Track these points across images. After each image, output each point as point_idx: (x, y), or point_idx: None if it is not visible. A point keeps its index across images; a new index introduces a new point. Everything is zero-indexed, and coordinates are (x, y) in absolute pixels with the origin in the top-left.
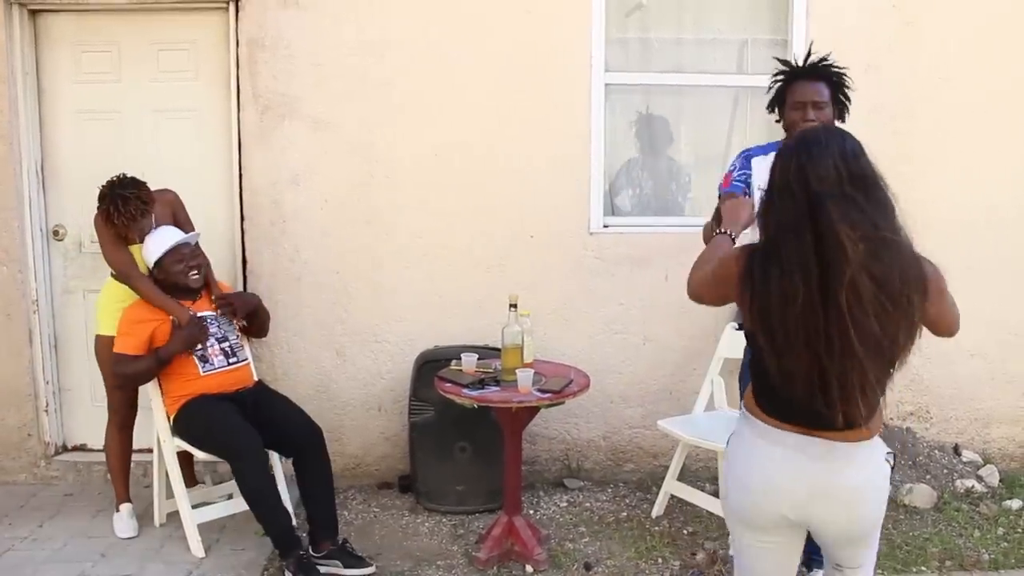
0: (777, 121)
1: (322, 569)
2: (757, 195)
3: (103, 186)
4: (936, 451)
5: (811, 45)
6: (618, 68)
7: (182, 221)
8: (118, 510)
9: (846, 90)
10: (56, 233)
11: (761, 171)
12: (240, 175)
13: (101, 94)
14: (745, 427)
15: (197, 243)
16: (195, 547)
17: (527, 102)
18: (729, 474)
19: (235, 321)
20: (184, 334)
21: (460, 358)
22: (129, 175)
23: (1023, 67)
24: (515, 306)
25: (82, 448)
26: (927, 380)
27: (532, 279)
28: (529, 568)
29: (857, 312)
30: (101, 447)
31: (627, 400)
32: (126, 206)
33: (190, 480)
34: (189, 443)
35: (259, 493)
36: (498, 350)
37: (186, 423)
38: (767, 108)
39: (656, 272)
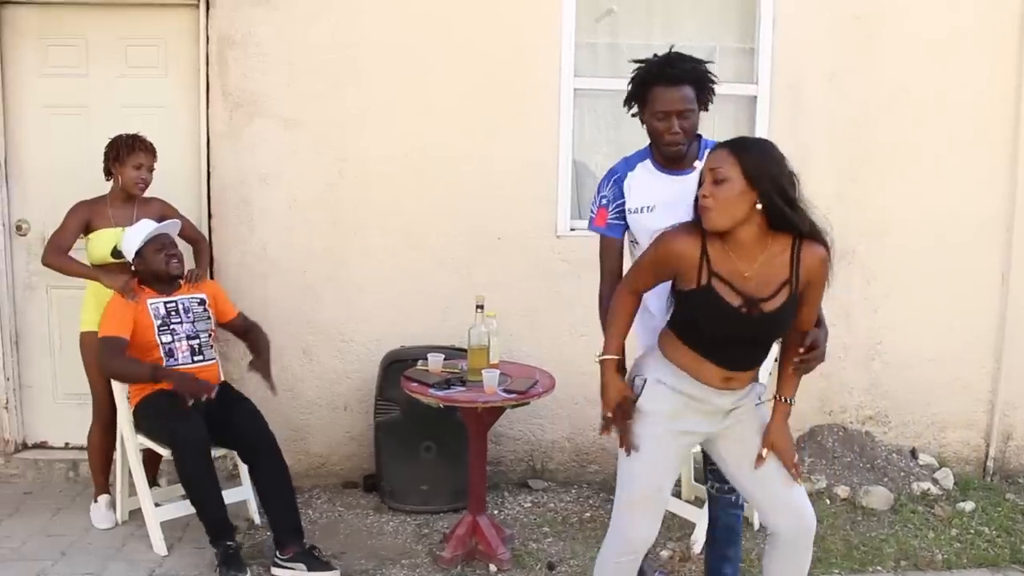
0: (634, 115)
1: (285, 573)
2: (633, 219)
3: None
4: (894, 454)
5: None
6: (588, 73)
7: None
8: (96, 500)
9: (711, 84)
10: (19, 228)
11: (634, 189)
12: (208, 173)
13: (68, 88)
14: None
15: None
16: (158, 545)
17: (497, 105)
18: None
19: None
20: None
21: (427, 358)
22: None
23: (981, 79)
24: (482, 307)
25: (43, 446)
26: (886, 386)
27: (499, 281)
28: (493, 567)
29: None
30: (62, 444)
31: (592, 401)
32: (139, 138)
33: (150, 481)
34: (144, 435)
35: (195, 479)
36: (464, 351)
37: (142, 415)
38: (624, 104)
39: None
